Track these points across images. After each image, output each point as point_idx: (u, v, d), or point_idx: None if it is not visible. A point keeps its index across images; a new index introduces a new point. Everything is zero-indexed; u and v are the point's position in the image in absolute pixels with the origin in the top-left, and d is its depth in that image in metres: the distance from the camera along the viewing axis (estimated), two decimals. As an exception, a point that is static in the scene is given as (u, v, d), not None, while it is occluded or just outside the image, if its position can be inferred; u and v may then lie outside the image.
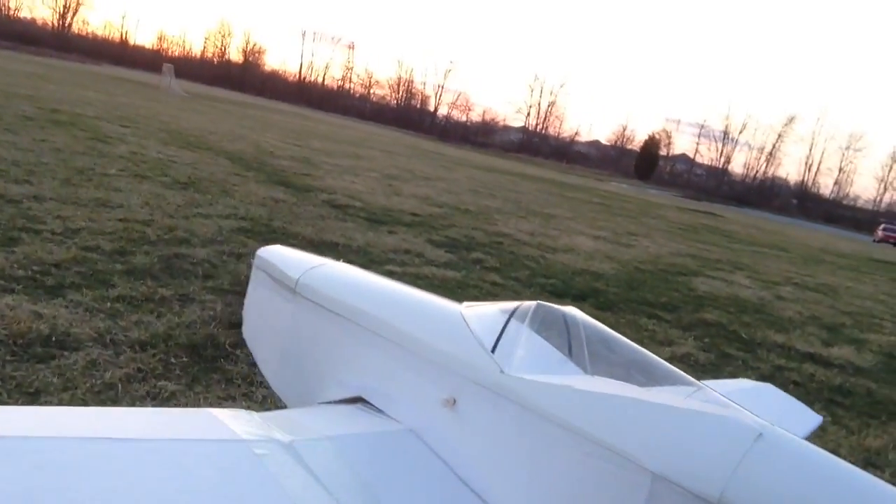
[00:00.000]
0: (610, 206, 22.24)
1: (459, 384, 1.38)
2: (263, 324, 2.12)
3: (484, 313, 1.54)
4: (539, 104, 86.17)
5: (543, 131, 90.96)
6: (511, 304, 1.53)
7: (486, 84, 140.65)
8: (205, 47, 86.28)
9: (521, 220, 11.70)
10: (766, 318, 7.21)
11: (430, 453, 1.33)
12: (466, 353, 1.41)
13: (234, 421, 1.28)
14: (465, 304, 1.65)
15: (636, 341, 1.38)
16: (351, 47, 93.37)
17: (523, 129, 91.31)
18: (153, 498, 1.02)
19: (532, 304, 1.49)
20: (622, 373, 1.29)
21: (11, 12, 70.42)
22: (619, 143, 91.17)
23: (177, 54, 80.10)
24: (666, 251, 11.70)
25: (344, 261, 2.10)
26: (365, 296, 1.80)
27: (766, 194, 75.83)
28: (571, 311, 1.45)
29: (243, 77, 77.05)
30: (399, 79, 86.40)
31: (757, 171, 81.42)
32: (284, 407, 1.98)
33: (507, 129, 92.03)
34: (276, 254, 2.12)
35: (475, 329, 1.47)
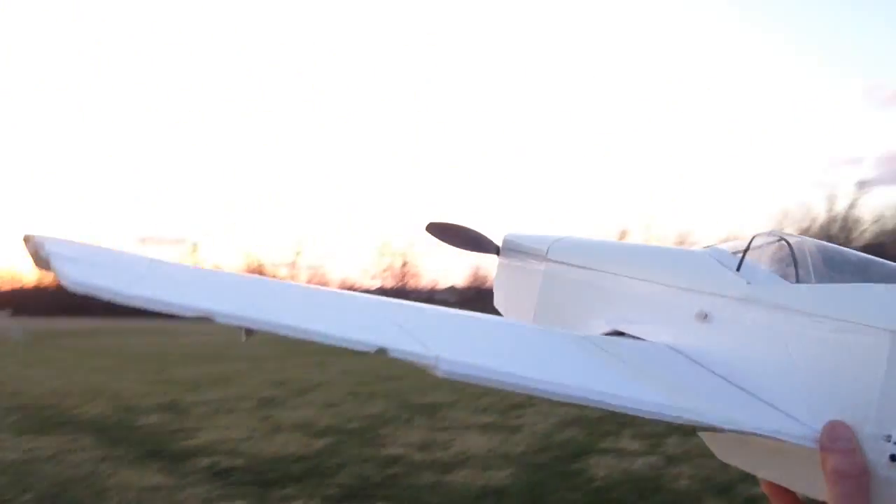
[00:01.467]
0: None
1: (710, 301, 1.60)
2: (516, 292, 2.49)
3: (725, 246, 1.78)
4: (392, 265, 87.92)
5: (402, 288, 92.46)
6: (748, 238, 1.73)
7: (341, 254, 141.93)
8: (39, 276, 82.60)
9: (406, 429, 11.56)
10: (664, 499, 7.38)
11: (690, 361, 1.52)
12: (713, 275, 1.66)
13: None
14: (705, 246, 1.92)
15: None
16: (195, 248, 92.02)
17: (380, 290, 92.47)
18: None
19: (766, 231, 1.70)
20: (856, 276, 1.49)
21: None
22: (475, 285, 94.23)
23: (9, 288, 76.10)
24: (551, 421, 11.76)
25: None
26: (609, 250, 2.24)
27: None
28: (801, 238, 1.65)
29: (85, 300, 73.74)
30: (248, 265, 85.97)
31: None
32: None
33: (365, 292, 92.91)
34: (520, 234, 2.60)
35: (719, 256, 1.72)
